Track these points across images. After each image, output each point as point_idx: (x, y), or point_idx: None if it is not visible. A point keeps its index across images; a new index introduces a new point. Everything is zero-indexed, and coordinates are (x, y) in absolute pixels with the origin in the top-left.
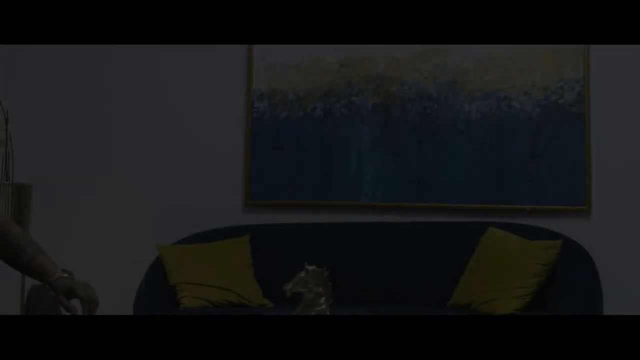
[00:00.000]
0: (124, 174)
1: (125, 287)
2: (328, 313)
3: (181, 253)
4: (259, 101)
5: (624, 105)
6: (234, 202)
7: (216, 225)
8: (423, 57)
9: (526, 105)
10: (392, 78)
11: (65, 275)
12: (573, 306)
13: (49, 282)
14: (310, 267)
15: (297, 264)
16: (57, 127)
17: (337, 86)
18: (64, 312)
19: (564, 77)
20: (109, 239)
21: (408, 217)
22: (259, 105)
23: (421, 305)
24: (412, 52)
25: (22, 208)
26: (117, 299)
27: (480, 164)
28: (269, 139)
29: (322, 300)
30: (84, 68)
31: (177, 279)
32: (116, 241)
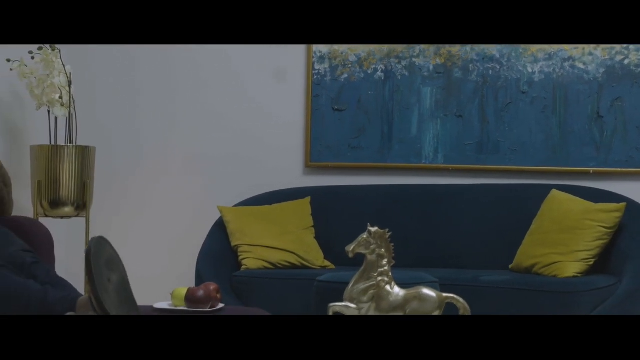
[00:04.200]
0: (185, 137)
1: (187, 248)
2: (390, 274)
3: (243, 215)
4: (319, 63)
5: None
6: (294, 164)
7: (277, 187)
8: None
9: (590, 66)
10: None
11: None
12: (636, 270)
13: None
14: (373, 229)
15: (357, 226)
16: (119, 90)
17: (398, 47)
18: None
19: None
20: (171, 202)
21: (470, 179)
22: (319, 67)
23: (482, 269)
24: None
25: (86, 170)
26: (179, 259)
27: (544, 126)
28: (329, 101)
29: (385, 262)
30: None
31: (239, 240)
32: (178, 203)
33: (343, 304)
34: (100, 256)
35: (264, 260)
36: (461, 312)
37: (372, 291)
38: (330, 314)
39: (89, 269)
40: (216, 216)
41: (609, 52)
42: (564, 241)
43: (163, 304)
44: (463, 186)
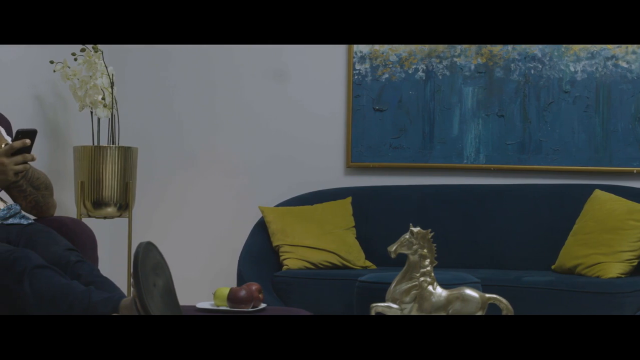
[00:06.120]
0: (227, 137)
1: (229, 249)
2: (432, 275)
3: (284, 215)
4: (360, 63)
5: None
6: (335, 164)
7: (318, 187)
8: None
9: (634, 65)
10: None
11: None
12: None
13: None
14: (415, 229)
15: (398, 226)
16: (160, 91)
17: (438, 47)
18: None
19: None
20: (212, 202)
21: (511, 179)
22: (360, 67)
23: (525, 269)
24: None
25: (129, 170)
26: (221, 260)
27: (586, 125)
28: (370, 101)
29: (427, 262)
30: None
31: (280, 240)
32: (219, 203)
33: (385, 304)
34: (148, 261)
35: (305, 261)
36: (504, 313)
37: (414, 291)
38: (373, 314)
39: (135, 273)
40: (257, 216)
41: None
42: (608, 241)
43: (205, 304)
44: (505, 186)
